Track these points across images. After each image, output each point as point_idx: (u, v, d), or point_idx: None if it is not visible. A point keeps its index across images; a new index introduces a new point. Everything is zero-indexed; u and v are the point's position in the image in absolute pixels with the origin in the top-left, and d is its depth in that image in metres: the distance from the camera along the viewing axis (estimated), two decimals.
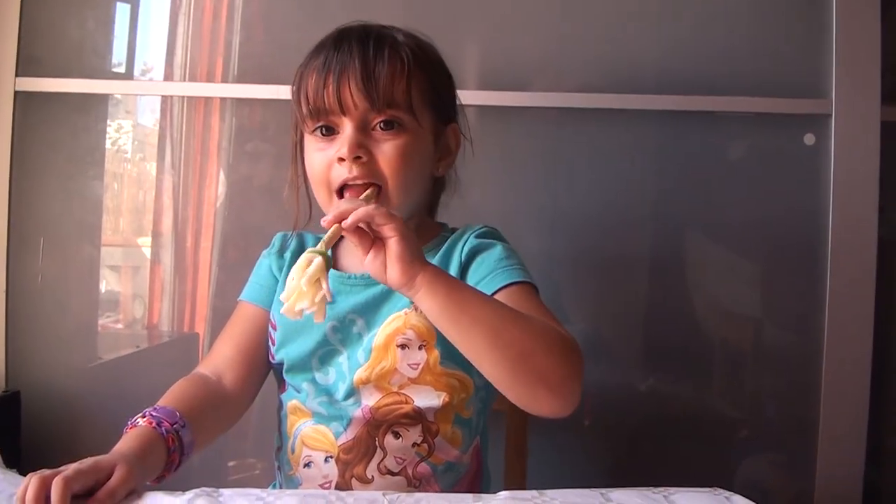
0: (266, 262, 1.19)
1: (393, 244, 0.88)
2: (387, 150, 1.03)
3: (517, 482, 1.34)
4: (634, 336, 1.61)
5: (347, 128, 1.03)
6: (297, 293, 0.86)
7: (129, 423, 0.95)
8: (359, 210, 0.87)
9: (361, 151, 1.02)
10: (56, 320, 1.62)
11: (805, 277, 1.56)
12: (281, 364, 1.11)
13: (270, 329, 1.13)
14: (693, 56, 1.58)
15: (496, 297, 0.99)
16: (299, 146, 1.14)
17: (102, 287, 1.66)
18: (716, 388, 1.60)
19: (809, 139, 1.56)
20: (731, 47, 1.58)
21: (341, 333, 1.08)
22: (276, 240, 1.21)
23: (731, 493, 0.91)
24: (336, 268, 1.14)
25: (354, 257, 1.13)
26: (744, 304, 1.61)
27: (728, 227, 1.59)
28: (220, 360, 1.11)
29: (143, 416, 0.95)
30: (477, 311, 0.90)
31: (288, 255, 1.17)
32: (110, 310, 1.66)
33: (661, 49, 1.58)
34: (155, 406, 0.98)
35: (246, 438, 1.58)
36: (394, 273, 0.88)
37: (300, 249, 1.18)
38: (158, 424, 0.94)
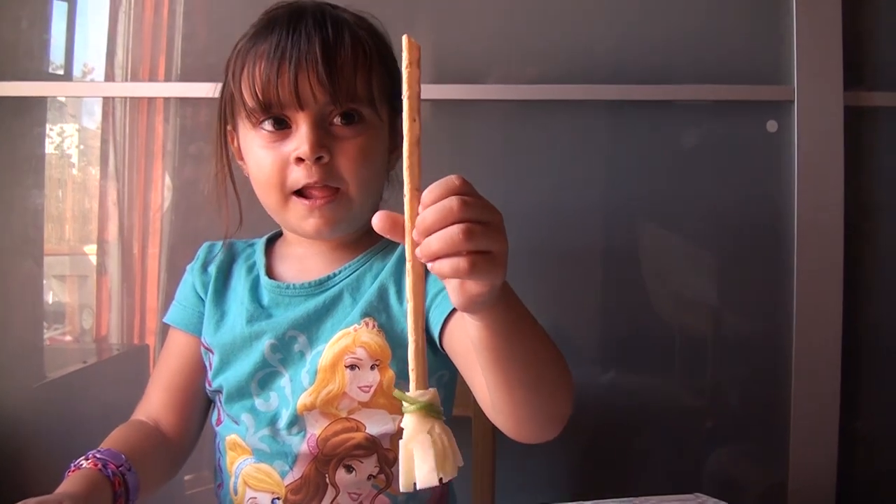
0: (189, 278, 1.08)
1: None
2: (349, 150, 0.93)
3: (485, 490, 1.30)
4: (598, 331, 1.57)
5: (304, 124, 0.92)
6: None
7: (71, 465, 0.87)
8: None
9: (323, 151, 0.91)
10: None
11: (772, 265, 1.54)
12: (218, 391, 1.02)
13: (206, 353, 1.03)
14: (651, 44, 1.54)
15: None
16: (226, 139, 1.03)
17: (49, 298, 1.58)
18: (685, 381, 1.57)
19: (772, 126, 1.54)
20: (691, 34, 1.54)
21: (281, 353, 0.97)
22: (201, 252, 1.10)
23: (709, 497, 0.89)
24: (271, 276, 1.03)
25: (291, 264, 1.05)
26: (711, 295, 1.59)
27: (693, 216, 1.56)
28: (153, 406, 1.03)
29: (87, 458, 0.88)
30: (527, 355, 0.75)
31: (213, 269, 1.06)
32: (57, 322, 1.58)
33: (617, 37, 1.54)
34: (98, 448, 0.91)
35: (200, 451, 1.51)
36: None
37: (229, 261, 1.07)
38: (104, 466, 0.86)
